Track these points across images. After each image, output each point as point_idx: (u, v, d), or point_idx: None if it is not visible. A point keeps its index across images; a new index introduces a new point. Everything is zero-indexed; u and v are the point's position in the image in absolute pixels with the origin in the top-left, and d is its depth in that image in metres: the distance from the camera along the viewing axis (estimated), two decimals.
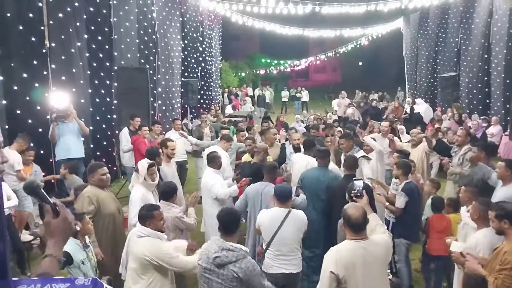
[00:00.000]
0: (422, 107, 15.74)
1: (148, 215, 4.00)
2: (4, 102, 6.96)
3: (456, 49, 17.37)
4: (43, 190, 1.81)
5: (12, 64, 7.15)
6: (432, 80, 19.58)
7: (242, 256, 3.53)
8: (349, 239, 3.46)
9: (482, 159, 6.25)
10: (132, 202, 5.03)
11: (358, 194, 4.05)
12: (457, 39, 17.24)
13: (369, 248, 3.40)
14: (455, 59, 17.42)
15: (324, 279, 3.36)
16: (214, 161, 5.97)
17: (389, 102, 20.47)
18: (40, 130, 7.51)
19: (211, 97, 20.01)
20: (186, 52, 16.40)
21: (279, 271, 4.47)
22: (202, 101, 18.51)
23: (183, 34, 15.94)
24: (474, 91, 15.17)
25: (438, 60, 19.09)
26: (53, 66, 7.92)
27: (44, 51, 7.71)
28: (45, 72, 7.70)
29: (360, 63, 37.73)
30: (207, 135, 9.59)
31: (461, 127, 11.64)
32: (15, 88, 7.15)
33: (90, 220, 4.40)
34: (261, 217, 4.66)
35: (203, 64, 18.72)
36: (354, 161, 5.74)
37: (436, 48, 19.24)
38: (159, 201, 5.01)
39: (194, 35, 17.54)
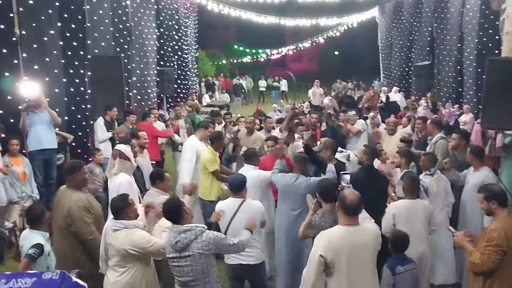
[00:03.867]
0: (398, 96, 15.93)
1: (125, 205, 3.93)
2: None
3: (429, 38, 17.59)
4: None
5: None
6: (406, 69, 19.80)
7: (200, 231, 3.62)
8: (341, 224, 3.53)
9: (462, 146, 6.42)
10: (122, 188, 4.82)
11: (345, 188, 4.10)
12: (430, 28, 17.44)
13: (359, 234, 3.49)
14: (428, 48, 17.66)
15: (312, 262, 3.45)
16: (253, 158, 5.65)
17: (364, 91, 20.68)
18: (12, 120, 7.30)
19: (188, 86, 19.80)
20: (161, 41, 16.14)
21: (236, 262, 4.46)
22: (179, 90, 18.29)
23: (158, 22, 15.68)
24: (448, 79, 15.43)
25: (412, 49, 19.27)
26: (24, 54, 7.68)
27: (14, 39, 7.47)
28: (15, 61, 7.45)
29: (336, 53, 37.85)
30: (182, 127, 9.47)
31: (435, 115, 11.87)
32: None
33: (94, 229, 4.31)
34: (217, 207, 4.64)
35: (179, 53, 18.47)
36: (375, 152, 5.66)
37: (411, 37, 19.43)
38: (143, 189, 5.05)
39: (170, 23, 17.27)
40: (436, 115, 11.80)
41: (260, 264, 4.57)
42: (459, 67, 14.70)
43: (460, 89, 14.58)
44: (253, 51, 34.31)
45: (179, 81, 18.26)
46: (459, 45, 14.70)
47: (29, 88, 7.08)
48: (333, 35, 27.57)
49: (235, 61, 34.12)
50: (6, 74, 7.22)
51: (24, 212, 4.88)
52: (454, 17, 15.10)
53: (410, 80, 19.07)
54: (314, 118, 8.90)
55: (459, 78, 14.67)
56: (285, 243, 5.15)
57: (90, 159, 7.11)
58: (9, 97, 7.29)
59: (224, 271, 4.71)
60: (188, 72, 19.86)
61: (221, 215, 4.42)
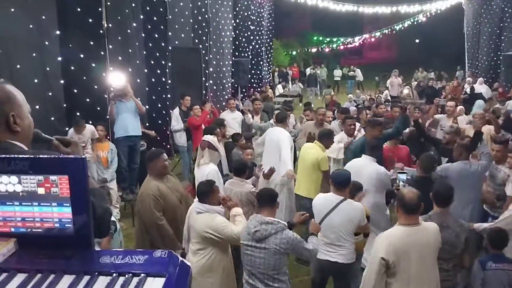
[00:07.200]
0: (483, 88, 14.93)
1: (209, 191, 4.10)
2: (62, 81, 7.20)
3: None
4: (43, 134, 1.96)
5: (70, 45, 7.37)
6: (495, 58, 18.49)
7: (281, 228, 3.59)
8: (400, 225, 3.44)
9: None
10: (210, 177, 4.92)
11: (399, 188, 3.94)
12: None
13: (420, 234, 3.39)
14: None
15: (374, 264, 3.39)
16: (376, 150, 5.51)
17: (447, 82, 19.60)
18: (98, 108, 7.77)
19: (261, 76, 19.89)
20: (237, 31, 16.31)
21: (324, 258, 4.32)
22: (252, 80, 18.44)
23: (234, 13, 15.85)
24: None
25: (502, 37, 17.97)
26: (110, 46, 8.11)
27: (101, 32, 7.90)
28: (102, 53, 7.89)
29: (417, 41, 36.15)
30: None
31: None
32: (72, 68, 7.39)
33: (160, 215, 4.40)
34: (315, 200, 4.51)
35: (253, 43, 18.57)
36: (431, 161, 5.20)
37: (501, 24, 18.09)
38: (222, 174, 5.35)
39: (246, 14, 17.39)
40: None
41: (349, 265, 4.36)
42: None
43: None
44: (333, 39, 33.62)
45: (252, 71, 18.38)
46: None
47: (116, 78, 7.49)
48: (414, 23, 26.33)
49: (309, 50, 33.68)
50: (93, 65, 7.66)
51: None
52: None
53: (499, 71, 17.79)
54: (396, 112, 8.35)
55: None
56: None
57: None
58: (95, 87, 7.74)
59: (312, 263, 4.71)
60: (262, 62, 19.93)
61: (306, 218, 4.08)
